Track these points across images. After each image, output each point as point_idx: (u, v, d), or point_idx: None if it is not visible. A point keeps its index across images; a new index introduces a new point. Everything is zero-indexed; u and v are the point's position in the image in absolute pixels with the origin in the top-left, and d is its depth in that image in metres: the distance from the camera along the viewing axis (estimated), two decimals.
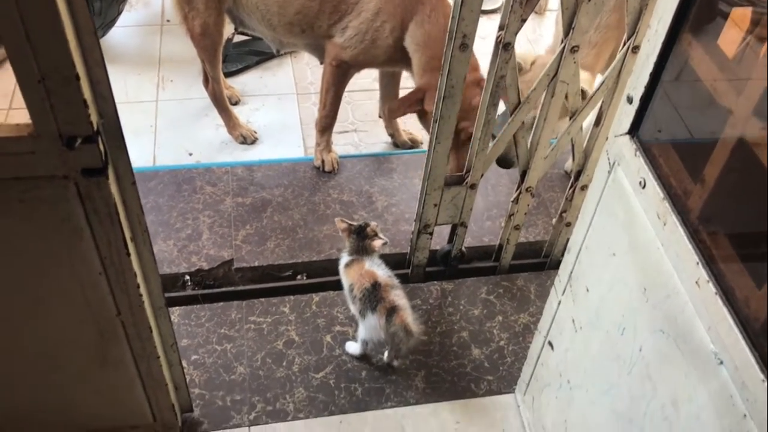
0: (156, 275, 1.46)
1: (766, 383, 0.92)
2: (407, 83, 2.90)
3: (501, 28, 1.71)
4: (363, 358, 2.02)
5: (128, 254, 1.31)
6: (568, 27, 1.72)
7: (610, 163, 1.31)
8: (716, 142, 1.07)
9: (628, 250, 1.26)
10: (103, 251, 1.30)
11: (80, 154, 1.13)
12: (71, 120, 1.09)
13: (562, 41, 1.76)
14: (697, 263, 1.05)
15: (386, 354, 2.00)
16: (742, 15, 1.13)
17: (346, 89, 2.90)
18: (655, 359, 1.20)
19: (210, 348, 2.01)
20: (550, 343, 1.66)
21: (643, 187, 1.19)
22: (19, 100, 2.75)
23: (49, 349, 1.48)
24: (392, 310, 1.84)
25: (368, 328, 1.91)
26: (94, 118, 1.11)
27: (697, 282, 1.05)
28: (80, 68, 1.05)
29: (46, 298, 1.37)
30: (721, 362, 1.01)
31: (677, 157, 1.14)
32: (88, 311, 1.40)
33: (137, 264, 1.38)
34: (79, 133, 1.11)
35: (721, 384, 1.01)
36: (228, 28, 2.58)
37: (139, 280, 1.39)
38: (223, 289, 2.19)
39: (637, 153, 1.21)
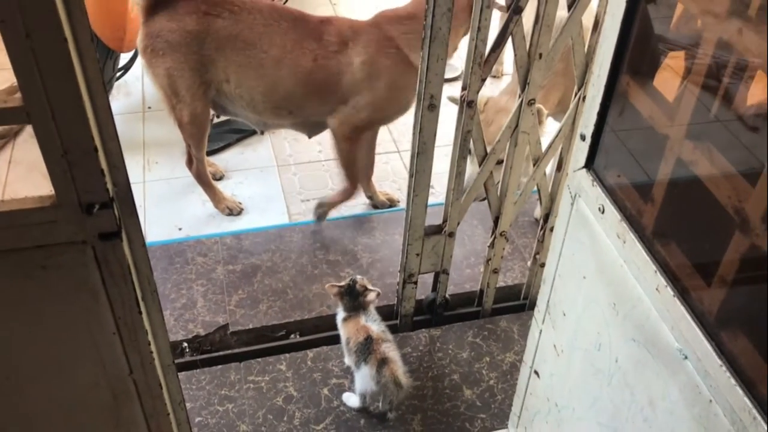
0: (164, 333, 1.55)
1: (723, 368, 1.04)
2: (380, 148, 3.08)
3: (464, 87, 1.89)
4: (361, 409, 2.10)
5: (140, 312, 1.41)
6: (524, 82, 1.91)
7: (572, 196, 1.46)
8: (659, 165, 1.23)
9: (596, 271, 1.40)
10: (117, 311, 1.40)
11: (98, 219, 1.25)
12: (90, 189, 1.21)
13: (519, 95, 1.95)
14: (655, 272, 1.19)
15: (381, 403, 2.09)
16: (671, 56, 1.32)
17: (323, 158, 3.08)
18: (630, 367, 1.32)
19: (212, 409, 2.08)
20: (536, 372, 1.77)
21: (603, 212, 1.34)
22: (10, 191, 2.86)
23: (65, 414, 1.55)
24: (383, 362, 1.95)
25: (362, 379, 2.02)
26: (109, 185, 1.24)
27: (657, 288, 1.19)
28: (98, 142, 1.18)
29: (63, 361, 1.45)
30: (686, 357, 1.14)
31: (629, 182, 1.29)
32: (102, 372, 1.49)
33: (147, 322, 1.48)
34: (97, 200, 1.23)
35: (688, 377, 1.14)
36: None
37: (150, 337, 1.48)
38: (221, 353, 2.27)
39: (594, 183, 1.36)
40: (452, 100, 2.31)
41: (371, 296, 2.08)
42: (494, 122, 2.33)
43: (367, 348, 1.99)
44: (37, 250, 1.27)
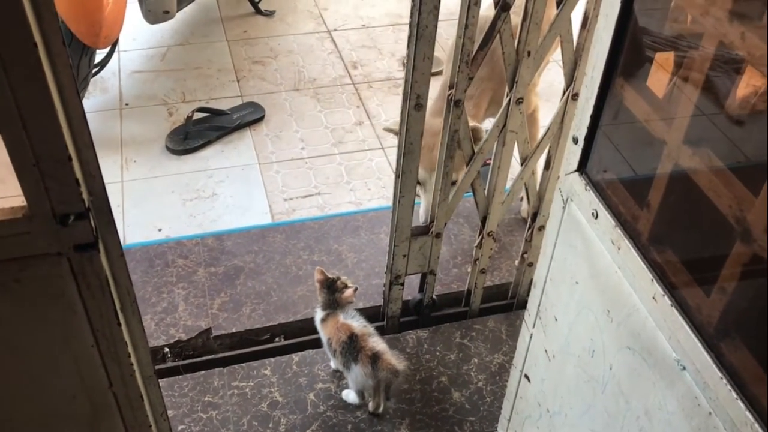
0: (145, 344, 1.50)
1: (724, 380, 1.02)
2: (364, 145, 3.02)
3: (451, 86, 1.85)
4: (347, 412, 2.07)
5: (119, 325, 1.36)
6: (512, 81, 1.87)
7: (563, 200, 1.43)
8: (655, 170, 1.19)
9: (589, 276, 1.37)
10: (96, 324, 1.34)
11: (73, 231, 1.19)
12: (64, 199, 1.16)
13: (507, 94, 1.91)
14: (652, 280, 1.16)
15: (370, 405, 2.06)
16: (665, 58, 1.28)
17: (306, 156, 3.05)
18: (625, 375, 1.29)
19: (196, 417, 2.03)
20: (526, 376, 1.74)
21: (596, 217, 1.31)
22: None
23: (44, 427, 1.50)
24: (375, 357, 1.92)
25: (356, 378, 1.98)
26: (85, 195, 1.18)
27: (653, 297, 1.16)
28: (72, 150, 1.13)
29: (41, 374, 1.40)
30: (684, 368, 1.11)
31: (623, 187, 1.26)
32: (81, 385, 1.44)
33: (127, 334, 1.42)
34: (72, 210, 1.17)
35: (686, 388, 1.11)
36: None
37: (130, 349, 1.43)
38: (204, 358, 2.22)
39: (587, 187, 1.33)
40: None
41: (348, 291, 2.04)
42: (435, 146, 2.22)
43: (353, 346, 1.96)
44: (10, 263, 1.22)
